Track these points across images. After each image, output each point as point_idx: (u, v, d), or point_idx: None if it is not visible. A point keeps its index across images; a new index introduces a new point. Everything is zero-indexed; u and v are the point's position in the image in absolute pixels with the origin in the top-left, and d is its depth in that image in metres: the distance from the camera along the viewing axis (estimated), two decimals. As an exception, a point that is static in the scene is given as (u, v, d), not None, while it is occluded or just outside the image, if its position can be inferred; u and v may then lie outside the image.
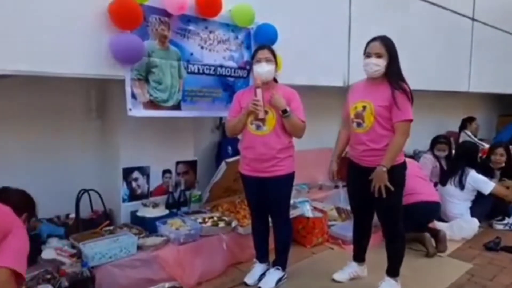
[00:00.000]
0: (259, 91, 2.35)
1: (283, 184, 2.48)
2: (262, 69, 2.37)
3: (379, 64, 2.26)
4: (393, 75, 2.27)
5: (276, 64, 2.45)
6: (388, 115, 2.26)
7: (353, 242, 2.72)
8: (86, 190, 2.66)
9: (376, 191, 2.24)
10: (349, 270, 2.70)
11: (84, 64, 2.25)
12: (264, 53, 2.39)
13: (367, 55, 2.31)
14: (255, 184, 2.49)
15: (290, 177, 2.50)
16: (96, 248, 2.28)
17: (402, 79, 2.29)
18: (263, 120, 2.37)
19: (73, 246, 2.39)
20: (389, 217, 2.43)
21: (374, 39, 2.31)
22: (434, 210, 3.39)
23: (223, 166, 2.96)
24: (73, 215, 2.66)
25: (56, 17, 2.12)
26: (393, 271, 2.48)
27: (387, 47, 2.27)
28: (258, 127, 2.39)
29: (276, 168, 2.42)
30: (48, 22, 2.09)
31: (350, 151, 2.49)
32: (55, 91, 2.68)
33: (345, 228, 3.27)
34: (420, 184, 3.34)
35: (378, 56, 2.25)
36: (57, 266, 2.19)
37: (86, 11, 2.22)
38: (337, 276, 2.69)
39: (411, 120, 2.26)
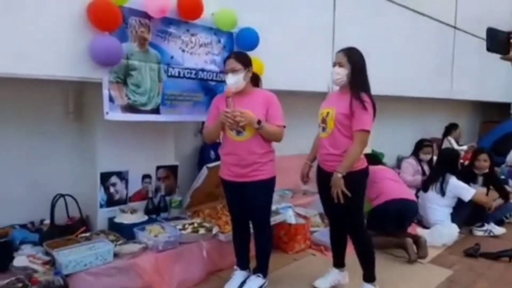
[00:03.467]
0: (229, 101, 2.31)
1: (264, 189, 2.46)
2: (229, 81, 2.36)
3: (339, 73, 2.37)
4: (354, 85, 2.36)
5: (248, 69, 2.39)
6: (348, 123, 2.33)
7: (331, 247, 2.74)
8: (62, 195, 2.58)
9: (335, 197, 2.30)
10: (331, 277, 2.69)
11: (61, 65, 2.19)
12: (229, 64, 2.36)
13: (333, 64, 2.44)
14: (236, 189, 2.47)
15: (271, 182, 2.49)
16: (70, 256, 2.21)
17: (364, 90, 2.35)
18: (242, 126, 2.34)
19: (47, 253, 2.31)
20: (350, 223, 2.48)
21: (340, 50, 2.44)
22: (409, 208, 3.39)
23: (204, 171, 2.92)
24: (48, 221, 2.57)
25: (33, 17, 2.06)
26: (368, 276, 2.51)
27: (350, 57, 2.37)
28: (238, 132, 2.38)
29: (257, 173, 2.40)
30: (24, 23, 2.03)
31: (317, 156, 2.57)
32: (31, 93, 2.61)
33: (327, 235, 3.24)
34: (390, 184, 3.39)
35: (340, 65, 2.38)
36: (29, 274, 2.11)
37: (64, 12, 2.16)
38: (319, 283, 2.68)
39: (367, 131, 2.31)
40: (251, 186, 2.41)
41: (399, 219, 3.29)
